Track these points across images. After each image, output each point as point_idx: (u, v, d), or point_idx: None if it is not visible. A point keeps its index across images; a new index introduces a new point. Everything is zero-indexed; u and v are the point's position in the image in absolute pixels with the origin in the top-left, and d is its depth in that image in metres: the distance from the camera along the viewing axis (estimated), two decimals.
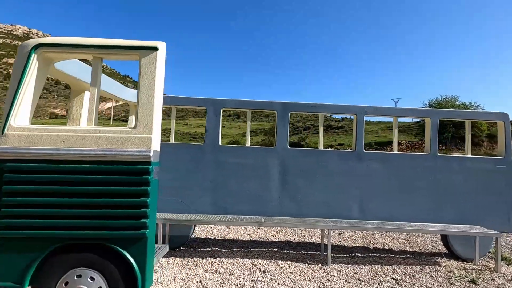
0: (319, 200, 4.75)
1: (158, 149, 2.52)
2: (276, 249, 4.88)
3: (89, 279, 2.30)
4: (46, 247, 2.28)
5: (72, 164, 2.32)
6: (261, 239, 5.46)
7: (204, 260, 4.18)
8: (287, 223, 4.48)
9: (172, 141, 4.98)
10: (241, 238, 5.46)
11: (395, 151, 5.26)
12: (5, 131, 2.33)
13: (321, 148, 4.98)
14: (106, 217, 2.31)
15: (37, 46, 2.42)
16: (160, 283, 3.43)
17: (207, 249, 4.77)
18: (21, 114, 2.41)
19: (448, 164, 4.81)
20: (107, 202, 2.32)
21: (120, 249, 2.30)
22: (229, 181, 4.72)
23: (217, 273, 3.77)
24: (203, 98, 4.92)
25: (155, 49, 2.48)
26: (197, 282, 3.50)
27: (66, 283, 2.30)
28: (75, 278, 2.30)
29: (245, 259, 4.27)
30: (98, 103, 2.55)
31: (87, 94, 3.61)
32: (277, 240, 5.46)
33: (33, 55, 2.41)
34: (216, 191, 4.71)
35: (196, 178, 4.70)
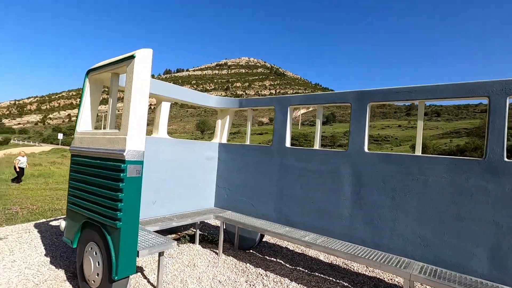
0: (409, 232, 3.17)
1: (138, 149, 2.70)
2: (346, 284, 3.73)
3: (94, 253, 2.86)
4: (81, 220, 3.07)
5: (88, 159, 2.99)
6: (336, 265, 4.33)
7: (251, 271, 3.92)
8: (355, 258, 3.15)
9: (247, 142, 5.03)
10: (320, 258, 4.58)
11: None
12: (74, 135, 3.36)
13: (419, 153, 3.25)
14: (100, 204, 2.78)
15: (88, 72, 3.32)
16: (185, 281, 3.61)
17: (271, 259, 4.42)
18: (82, 123, 3.38)
19: None
20: (100, 192, 2.79)
21: (106, 234, 2.70)
22: (294, 187, 4.14)
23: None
24: (271, 97, 4.63)
25: (132, 57, 2.71)
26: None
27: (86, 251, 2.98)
28: (90, 249, 2.93)
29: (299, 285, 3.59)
30: (114, 111, 3.09)
31: (163, 104, 4.42)
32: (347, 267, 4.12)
33: (86, 79, 3.32)
34: (281, 197, 4.27)
35: (262, 181, 4.49)
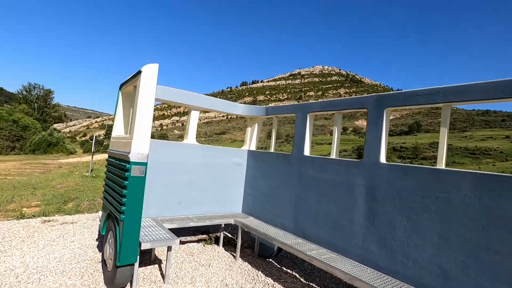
0: (426, 258, 2.68)
1: (142, 151, 3.05)
2: None
3: (110, 241, 3.32)
4: (107, 211, 3.60)
5: (113, 159, 3.51)
6: None
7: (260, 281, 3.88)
8: (354, 280, 2.80)
9: (272, 150, 5.01)
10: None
11: None
12: (111, 139, 3.98)
13: (442, 165, 2.66)
14: (114, 198, 3.23)
15: (120, 86, 3.91)
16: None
17: (287, 271, 4.27)
18: (116, 129, 3.98)
19: None
20: (115, 187, 3.24)
21: (116, 225, 3.11)
22: (311, 198, 3.97)
23: None
24: (294, 105, 4.55)
25: (139, 72, 3.09)
26: None
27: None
28: (109, 237, 3.41)
29: None
30: (134, 118, 3.55)
31: (192, 113, 4.82)
32: None
33: (119, 92, 3.92)
34: (298, 208, 4.14)
35: (282, 189, 4.43)
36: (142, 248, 3.12)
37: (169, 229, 3.96)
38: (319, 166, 3.89)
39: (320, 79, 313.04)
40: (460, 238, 2.49)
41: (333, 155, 3.87)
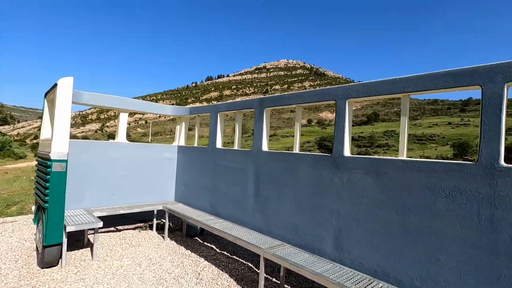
0: (287, 220, 3.66)
1: (61, 151, 3.66)
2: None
3: (40, 228, 3.90)
4: (36, 204, 4.15)
5: (40, 158, 4.07)
6: None
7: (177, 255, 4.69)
8: (237, 240, 3.70)
9: (195, 144, 5.80)
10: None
11: None
12: (39, 142, 4.48)
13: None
14: (40, 191, 3.80)
15: (45, 94, 4.41)
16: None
17: (207, 245, 5.12)
18: (43, 133, 4.49)
19: None
20: (41, 182, 3.82)
21: (43, 213, 3.71)
22: (221, 183, 4.82)
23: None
24: (209, 105, 5.35)
25: (56, 85, 3.69)
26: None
27: None
28: (39, 225, 3.98)
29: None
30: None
31: (121, 115, 5.41)
32: None
33: (44, 99, 4.43)
34: (213, 192, 4.98)
35: (203, 178, 5.24)
36: (67, 231, 3.74)
37: (99, 216, 4.60)
38: (227, 156, 4.74)
39: (285, 72, 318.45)
40: (303, 201, 3.47)
41: (236, 146, 4.74)
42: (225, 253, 4.75)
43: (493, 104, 2.19)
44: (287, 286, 3.66)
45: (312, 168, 3.40)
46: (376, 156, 2.89)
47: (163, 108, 5.92)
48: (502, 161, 2.14)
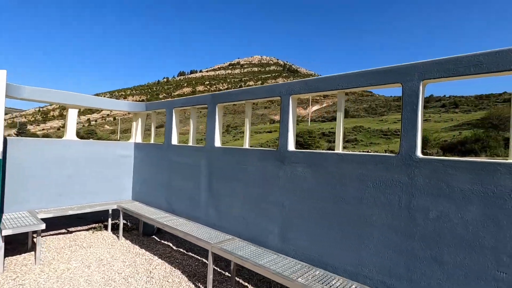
0: (238, 214, 3.72)
1: None
2: None
3: None
4: None
5: None
6: None
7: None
8: (187, 235, 3.66)
9: (152, 141, 5.67)
10: None
11: None
12: None
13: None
14: None
15: None
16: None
17: (164, 242, 5.05)
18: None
19: None
20: None
21: None
22: (176, 179, 4.76)
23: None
24: (164, 101, 5.25)
25: None
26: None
27: None
28: None
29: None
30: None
31: (70, 111, 5.13)
32: None
33: None
34: (169, 189, 4.90)
35: (159, 175, 5.13)
36: (3, 234, 3.51)
37: (45, 218, 4.35)
38: (182, 153, 4.69)
39: (259, 69, 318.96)
40: (251, 195, 3.54)
41: (190, 143, 4.70)
42: (181, 250, 4.72)
43: (411, 100, 2.37)
44: (238, 279, 3.72)
45: (260, 163, 3.48)
46: (315, 150, 3.01)
47: (117, 104, 5.70)
48: (418, 153, 2.33)
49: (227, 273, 3.89)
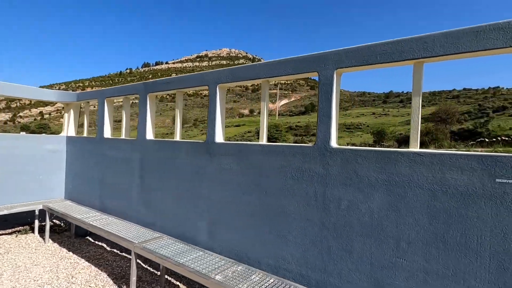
0: (169, 211, 3.51)
1: None
2: None
3: None
4: None
5: None
6: None
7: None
8: (110, 235, 3.39)
9: (85, 134, 5.22)
10: None
11: None
12: None
13: (178, 138, 3.33)
14: None
15: None
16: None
17: (97, 243, 4.69)
18: None
19: None
20: None
21: None
22: (110, 175, 4.41)
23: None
24: (96, 91, 4.83)
25: None
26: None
27: None
28: None
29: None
30: None
31: None
32: None
33: None
34: (102, 186, 4.53)
35: (92, 170, 4.72)
36: None
37: None
38: (114, 146, 4.34)
39: (228, 61, 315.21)
40: (181, 190, 3.35)
41: (151, 136, 4.32)
42: (115, 251, 4.40)
43: (326, 90, 2.33)
44: (170, 279, 3.54)
45: (190, 156, 3.29)
46: (241, 142, 2.90)
47: (44, 93, 5.13)
48: (332, 143, 2.29)
49: (159, 273, 3.68)
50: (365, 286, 2.11)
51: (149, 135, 3.86)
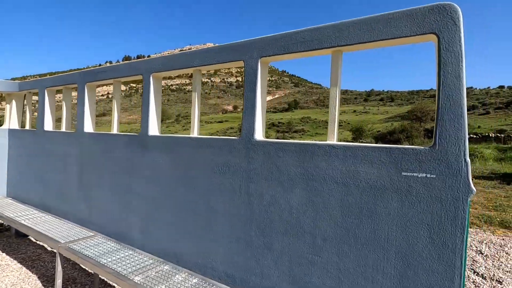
0: (103, 208, 3.30)
1: None
2: None
3: None
4: None
5: None
6: None
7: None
8: (39, 235, 3.29)
9: (28, 127, 4.88)
10: None
11: None
12: None
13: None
14: None
15: None
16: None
17: (42, 244, 4.41)
18: None
19: None
20: None
21: None
22: (49, 171, 4.12)
23: None
24: (35, 80, 4.50)
25: None
26: None
27: None
28: None
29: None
30: None
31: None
32: None
33: None
34: (42, 182, 4.23)
35: (33, 166, 4.41)
36: None
37: None
38: (54, 140, 4.05)
39: None
40: (117, 186, 3.15)
41: (90, 129, 4.05)
42: (55, 251, 4.13)
43: (250, 79, 2.21)
44: (105, 279, 3.34)
45: (125, 150, 3.10)
46: (172, 135, 2.74)
47: None
48: (256, 136, 2.18)
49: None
50: (283, 284, 2.02)
51: (88, 127, 3.61)
